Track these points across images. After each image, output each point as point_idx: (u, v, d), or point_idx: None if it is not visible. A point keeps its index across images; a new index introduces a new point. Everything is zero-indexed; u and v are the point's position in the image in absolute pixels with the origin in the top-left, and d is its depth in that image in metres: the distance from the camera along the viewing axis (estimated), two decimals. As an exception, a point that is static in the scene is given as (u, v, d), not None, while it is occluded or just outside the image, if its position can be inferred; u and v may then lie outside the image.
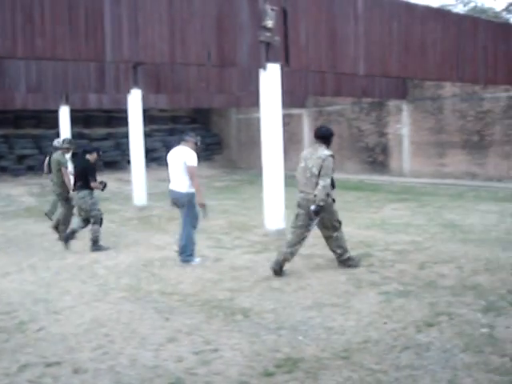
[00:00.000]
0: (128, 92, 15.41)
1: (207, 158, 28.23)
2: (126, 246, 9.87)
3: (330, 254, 8.48)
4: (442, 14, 14.54)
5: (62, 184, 10.83)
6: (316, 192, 7.18)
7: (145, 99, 16.95)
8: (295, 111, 25.05)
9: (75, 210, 10.39)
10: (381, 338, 5.12)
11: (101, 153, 10.47)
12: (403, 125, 21.48)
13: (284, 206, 10.27)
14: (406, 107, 21.34)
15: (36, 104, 18.81)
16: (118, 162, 24.44)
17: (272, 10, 9.70)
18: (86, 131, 25.04)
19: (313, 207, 7.19)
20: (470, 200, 14.81)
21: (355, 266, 7.73)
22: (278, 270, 7.42)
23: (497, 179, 18.64)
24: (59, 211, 11.20)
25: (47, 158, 12.37)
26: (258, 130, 10.52)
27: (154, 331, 5.49)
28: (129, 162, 16.02)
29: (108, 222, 12.59)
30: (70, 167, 11.13)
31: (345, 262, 7.74)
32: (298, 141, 24.93)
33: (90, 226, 9.82)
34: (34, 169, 21.89)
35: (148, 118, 22.21)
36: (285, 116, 24.17)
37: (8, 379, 4.52)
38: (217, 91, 18.36)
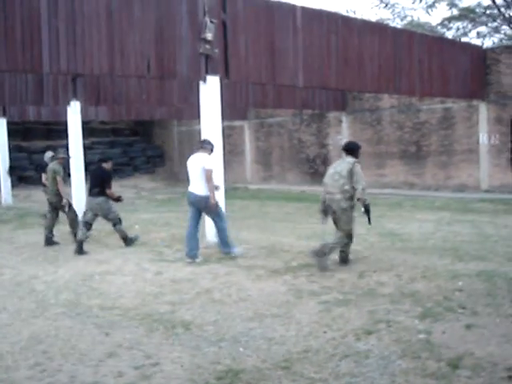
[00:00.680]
0: (67, 104, 15.20)
1: (149, 171, 28.05)
2: (66, 261, 9.69)
3: (271, 265, 8.55)
4: (378, 27, 14.91)
5: (57, 192, 11.31)
6: (359, 196, 8.19)
7: (84, 111, 16.79)
8: (237, 123, 25.17)
9: (82, 213, 11.05)
10: (321, 346, 5.16)
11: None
12: (343, 136, 21.81)
13: (225, 218, 10.29)
14: (345, 119, 21.69)
15: (-28, 116, 18.40)
16: (58, 175, 24.02)
17: (212, 22, 9.75)
18: (25, 144, 24.59)
19: (363, 209, 8.21)
20: (408, 209, 15.11)
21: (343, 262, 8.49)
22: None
23: (434, 189, 19.12)
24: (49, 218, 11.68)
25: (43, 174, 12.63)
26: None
27: (94, 347, 5.40)
28: (69, 175, 15.75)
29: (47, 236, 12.38)
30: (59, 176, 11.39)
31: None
32: (240, 152, 25.04)
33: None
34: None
35: (88, 130, 21.97)
36: (226, 128, 24.31)
37: None
38: (158, 103, 18.31)
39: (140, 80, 15.49)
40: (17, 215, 17.02)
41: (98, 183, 10.62)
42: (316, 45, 12.01)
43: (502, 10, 26.97)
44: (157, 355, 5.11)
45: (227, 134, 24.53)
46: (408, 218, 13.30)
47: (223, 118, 10.78)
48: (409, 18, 29.05)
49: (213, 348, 5.23)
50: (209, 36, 9.74)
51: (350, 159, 8.36)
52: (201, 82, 10.10)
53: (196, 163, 9.06)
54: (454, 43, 18.85)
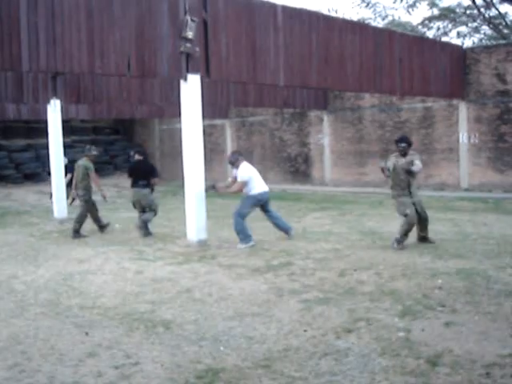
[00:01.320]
0: (47, 102, 15.08)
1: (130, 169, 27.93)
2: (46, 260, 9.62)
3: (252, 264, 8.56)
4: (359, 27, 14.96)
5: (86, 187, 11.95)
6: (415, 168, 9.25)
7: (65, 110, 16.67)
8: (218, 122, 25.13)
9: (134, 204, 11.98)
10: (301, 345, 5.18)
11: None
12: (324, 135, 21.87)
13: (206, 217, 10.28)
14: (326, 117, 21.74)
15: (-50, 114, 18.19)
16: (38, 173, 23.83)
17: (192, 20, 9.72)
18: (5, 142, 24.35)
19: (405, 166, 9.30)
20: (389, 208, 15.11)
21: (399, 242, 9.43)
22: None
23: (414, 187, 19.20)
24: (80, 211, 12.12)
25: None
26: (180, 141, 10.51)
27: (74, 346, 5.37)
28: (49, 173, 15.66)
29: (27, 235, 12.33)
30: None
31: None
32: (222, 151, 24.99)
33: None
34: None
35: (69, 128, 21.84)
36: (208, 127, 24.27)
37: None
38: (139, 102, 18.23)
39: (121, 78, 15.40)
40: (-4, 214, 16.88)
41: (144, 175, 11.58)
42: (297, 44, 12.02)
43: (482, 10, 27.23)
44: (137, 355, 5.09)
45: (208, 133, 24.48)
46: (389, 217, 13.34)
47: (204, 116, 10.77)
48: (390, 18, 29.25)
49: (193, 347, 5.23)
50: (190, 34, 9.71)
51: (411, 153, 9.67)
52: (181, 81, 10.07)
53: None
54: (435, 43, 18.95)
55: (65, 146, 15.66)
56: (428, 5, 28.26)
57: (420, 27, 29.07)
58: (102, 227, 12.40)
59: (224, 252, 9.67)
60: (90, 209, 12.05)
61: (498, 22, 27.56)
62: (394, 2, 28.10)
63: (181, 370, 4.71)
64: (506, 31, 26.87)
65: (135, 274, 8.35)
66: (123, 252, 10.00)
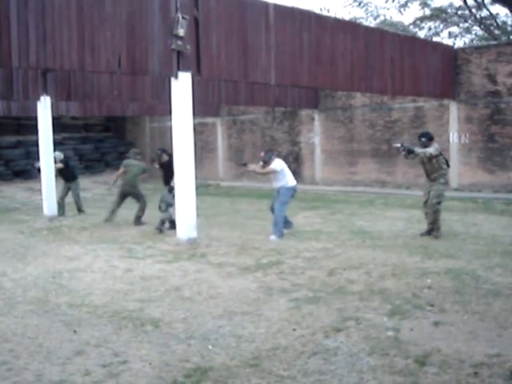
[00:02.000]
0: (37, 99, 15.00)
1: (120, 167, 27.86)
2: (35, 258, 9.57)
3: (242, 262, 8.56)
4: (351, 26, 14.98)
5: (135, 184, 13.32)
6: (420, 150, 9.97)
7: (55, 107, 16.59)
8: (209, 120, 25.12)
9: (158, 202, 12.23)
10: (290, 344, 5.17)
11: None
12: (315, 134, 21.89)
13: (196, 215, 10.26)
14: (317, 116, 21.76)
15: None
16: (28, 170, 23.71)
17: (184, 18, 9.70)
18: (-6, 139, 24.24)
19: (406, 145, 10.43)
20: (379, 207, 15.22)
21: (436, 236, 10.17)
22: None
23: (405, 187, 19.27)
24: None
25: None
26: (171, 139, 10.47)
27: (62, 344, 5.35)
28: (39, 170, 15.58)
29: (16, 232, 12.27)
30: None
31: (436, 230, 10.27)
32: (212, 149, 24.99)
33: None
34: None
35: (59, 125, 21.73)
36: (198, 125, 24.25)
37: None
38: (130, 99, 18.16)
39: (112, 76, 15.34)
40: (-15, 211, 16.79)
41: (172, 175, 11.40)
42: (288, 42, 12.01)
43: (473, 11, 27.32)
44: (125, 353, 5.08)
45: (199, 131, 24.46)
46: (379, 216, 13.39)
47: (195, 114, 10.74)
48: (382, 18, 29.32)
49: (182, 345, 5.21)
50: (181, 32, 9.68)
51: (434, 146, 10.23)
52: (172, 79, 10.04)
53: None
54: (426, 43, 18.99)
55: (55, 143, 15.57)
56: (420, 5, 28.35)
57: (411, 27, 29.15)
58: (137, 219, 13.11)
59: (214, 250, 9.65)
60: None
61: (489, 22, 27.66)
62: (386, 2, 28.22)
63: (169, 369, 4.69)
64: (496, 32, 26.97)
65: (124, 272, 8.32)
66: (113, 250, 9.97)
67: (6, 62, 8.60)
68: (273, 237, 10.55)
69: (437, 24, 28.91)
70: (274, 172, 10.73)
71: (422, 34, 28.67)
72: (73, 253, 9.86)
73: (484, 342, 5.10)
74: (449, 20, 28.66)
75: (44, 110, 14.98)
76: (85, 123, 27.68)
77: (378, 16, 29.22)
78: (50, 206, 15.01)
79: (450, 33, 29.08)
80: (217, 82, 16.99)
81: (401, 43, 15.39)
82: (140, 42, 9.57)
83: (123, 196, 13.61)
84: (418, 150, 10.03)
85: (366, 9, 28.93)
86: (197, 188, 10.46)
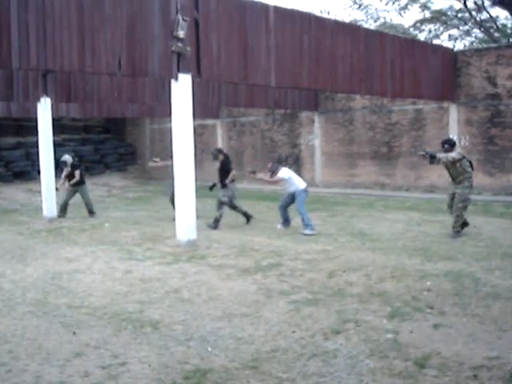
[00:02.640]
0: (37, 100, 15.00)
1: (120, 169, 27.85)
2: (34, 259, 9.57)
3: (242, 264, 8.55)
4: (351, 28, 14.96)
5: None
6: (442, 155, 10.42)
7: (55, 108, 16.58)
8: (209, 122, 25.11)
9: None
10: (289, 346, 5.17)
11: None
12: (315, 136, 21.89)
13: (195, 217, 10.26)
14: (317, 119, 21.75)
15: None
16: (28, 172, 23.69)
17: (184, 20, 9.70)
18: (-6, 140, 24.22)
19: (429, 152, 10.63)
20: (379, 209, 15.21)
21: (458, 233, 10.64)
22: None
23: (405, 189, 19.27)
24: None
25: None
26: (171, 140, 10.48)
27: (61, 346, 5.35)
28: (39, 172, 15.58)
29: (16, 234, 12.28)
30: None
31: (454, 229, 10.66)
32: (212, 151, 24.94)
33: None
34: None
35: (59, 127, 21.73)
36: (198, 127, 24.25)
37: None
38: (130, 101, 18.14)
39: (112, 77, 15.34)
40: (-15, 212, 16.79)
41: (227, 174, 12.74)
42: (288, 44, 12.01)
43: (473, 13, 27.33)
44: (124, 355, 5.08)
45: (199, 133, 24.46)
46: (378, 218, 13.38)
47: (195, 116, 10.74)
48: (382, 20, 29.31)
49: (181, 347, 5.21)
50: (181, 34, 9.68)
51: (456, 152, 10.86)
52: (172, 80, 10.04)
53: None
54: (426, 45, 18.97)
55: (55, 145, 15.57)
56: (420, 7, 28.35)
57: (412, 30, 29.16)
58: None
59: (213, 252, 9.65)
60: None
61: (489, 25, 27.68)
62: (386, 4, 28.21)
63: (168, 371, 4.70)
64: (496, 34, 26.98)
65: (124, 273, 8.32)
66: (112, 251, 9.97)
67: (7, 64, 8.59)
68: (307, 231, 11.29)
69: (437, 26, 28.92)
70: (282, 180, 11.68)
71: (422, 36, 28.68)
72: (72, 254, 9.86)
73: (483, 344, 5.10)
74: (449, 22, 28.67)
75: (44, 111, 14.99)
76: (85, 125, 27.65)
77: (378, 18, 29.24)
78: (49, 207, 15.01)
79: (449, 35, 29.10)
80: (217, 83, 16.97)
81: (401, 46, 15.39)
82: (140, 43, 9.57)
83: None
84: (441, 155, 10.43)
85: (366, 11, 28.94)
86: (197, 190, 10.46)
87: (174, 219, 12.55)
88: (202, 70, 10.39)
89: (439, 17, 28.24)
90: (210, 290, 7.19)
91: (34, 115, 15.59)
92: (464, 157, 10.70)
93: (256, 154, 23.82)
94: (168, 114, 11.18)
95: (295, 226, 11.91)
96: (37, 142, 15.52)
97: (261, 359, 4.89)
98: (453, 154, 10.52)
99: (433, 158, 10.33)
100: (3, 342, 5.52)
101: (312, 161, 22.05)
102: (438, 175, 18.57)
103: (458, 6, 27.60)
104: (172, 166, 13.88)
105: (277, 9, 11.70)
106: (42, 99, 14.90)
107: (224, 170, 12.78)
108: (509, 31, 26.10)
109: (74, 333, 5.71)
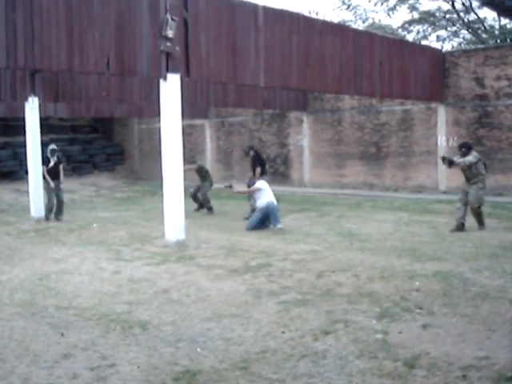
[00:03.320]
0: (25, 100, 14.91)
1: (109, 169, 27.75)
2: (22, 260, 9.51)
3: (231, 265, 8.54)
4: (340, 28, 14.99)
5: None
6: (460, 160, 11.09)
7: (43, 107, 16.48)
8: (197, 122, 25.07)
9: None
10: (279, 347, 5.16)
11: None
12: (303, 136, 21.90)
13: (184, 217, 10.22)
14: (306, 119, 21.76)
15: None
16: (16, 172, 23.54)
17: (173, 19, 9.66)
18: (-18, 140, 24.06)
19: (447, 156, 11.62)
20: (367, 210, 15.23)
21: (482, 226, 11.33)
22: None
23: (393, 189, 19.31)
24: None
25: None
26: (159, 140, 10.44)
27: (49, 348, 5.31)
28: (27, 172, 15.48)
29: (3, 234, 12.20)
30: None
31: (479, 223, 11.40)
32: (201, 151, 24.93)
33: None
34: None
35: (47, 126, 21.57)
36: (187, 126, 24.21)
37: None
38: (118, 100, 18.08)
39: (100, 77, 15.27)
40: (-28, 213, 16.67)
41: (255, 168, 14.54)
42: (277, 45, 12.00)
43: (461, 14, 27.45)
44: (113, 356, 5.05)
45: (188, 133, 24.41)
46: (367, 219, 13.41)
47: (184, 116, 10.71)
48: (370, 21, 29.38)
49: (170, 348, 5.19)
50: (170, 33, 9.64)
51: (473, 154, 11.28)
52: (161, 80, 10.01)
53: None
54: (414, 46, 19.03)
55: (43, 145, 15.47)
56: (408, 8, 28.45)
57: (400, 30, 29.25)
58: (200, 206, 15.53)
59: (202, 252, 9.63)
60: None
61: (476, 26, 27.81)
62: (375, 5, 28.29)
63: (157, 372, 4.67)
64: (484, 36, 27.11)
65: (112, 274, 8.28)
66: (100, 252, 9.92)
67: (-6, 63, 8.54)
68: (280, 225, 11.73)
69: (425, 27, 29.03)
70: (259, 190, 12.19)
71: (410, 37, 28.78)
72: (60, 255, 9.81)
73: (472, 344, 5.11)
74: (437, 23, 28.79)
75: (32, 110, 14.90)
76: (72, 124, 27.51)
77: (366, 19, 29.31)
78: (37, 207, 14.91)
79: (438, 36, 29.20)
80: (205, 83, 16.95)
81: (389, 46, 15.43)
82: (129, 43, 9.52)
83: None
84: (459, 159, 11.14)
85: (355, 12, 29.01)
86: (185, 190, 10.43)
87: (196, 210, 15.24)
88: (191, 69, 10.36)
89: (427, 18, 28.35)
90: (199, 291, 7.17)
91: (22, 115, 15.49)
92: (480, 159, 11.24)
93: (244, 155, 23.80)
94: (156, 113, 11.15)
95: (285, 227, 11.90)
96: (24, 141, 15.42)
97: (250, 360, 4.88)
98: (470, 158, 11.05)
99: (451, 163, 11.05)
100: (-10, 343, 5.47)
101: (300, 161, 22.06)
102: (426, 176, 18.67)
103: (446, 7, 27.74)
104: (194, 168, 15.35)
105: (266, 9, 11.69)
106: (30, 99, 14.81)
107: (253, 166, 14.68)
108: (496, 32, 26.20)
109: (62, 334, 5.67)
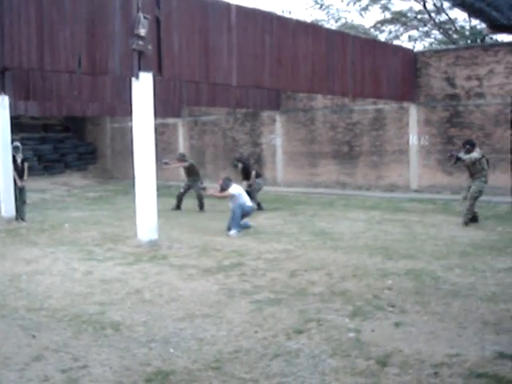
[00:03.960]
0: (-5, 98, 14.70)
1: (81, 168, 27.53)
2: (-8, 260, 9.39)
3: (203, 264, 8.51)
4: (313, 28, 15.02)
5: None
6: (466, 157, 11.59)
7: (14, 106, 16.28)
8: (170, 121, 24.98)
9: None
10: (252, 346, 5.16)
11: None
12: (276, 135, 21.93)
13: (157, 217, 10.17)
14: (279, 118, 21.80)
15: None
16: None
17: (145, 18, 9.61)
18: (-51, 139, 23.64)
19: (455, 153, 11.91)
20: (340, 208, 15.31)
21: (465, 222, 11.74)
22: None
23: (365, 188, 19.43)
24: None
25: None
26: (132, 139, 10.37)
27: (19, 350, 5.24)
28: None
29: (-28, 234, 12.00)
30: None
31: (465, 216, 11.77)
32: (174, 150, 24.83)
33: None
34: None
35: (18, 125, 21.32)
36: (160, 125, 24.10)
37: None
38: (90, 99, 17.92)
39: (72, 75, 15.12)
40: None
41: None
42: (250, 44, 12.01)
43: (433, 15, 27.70)
44: (85, 357, 5.00)
45: (160, 132, 24.30)
46: (340, 217, 13.47)
47: (156, 115, 10.65)
48: (343, 20, 29.49)
49: (143, 349, 5.16)
50: (142, 32, 9.59)
51: (477, 151, 11.83)
52: (133, 79, 9.94)
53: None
54: (386, 46, 19.16)
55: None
56: (380, 8, 28.63)
57: (372, 30, 29.42)
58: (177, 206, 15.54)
59: (175, 252, 9.59)
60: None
61: (447, 27, 28.07)
62: (348, 5, 28.40)
63: (130, 373, 4.64)
64: (455, 36, 27.37)
65: (84, 274, 8.21)
66: (72, 252, 9.83)
67: (-37, 61, 8.42)
68: (232, 232, 11.30)
69: (397, 27, 29.26)
70: (232, 196, 11.93)
71: (382, 37, 28.97)
72: (31, 255, 9.69)
73: (444, 341, 5.16)
74: (409, 24, 29.02)
75: (2, 109, 14.68)
76: (44, 123, 27.24)
77: (339, 19, 29.42)
78: (7, 207, 14.70)
79: (409, 36, 29.44)
80: (178, 82, 16.89)
81: (362, 46, 15.51)
82: (100, 41, 9.45)
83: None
84: (465, 156, 11.67)
85: (328, 11, 29.10)
86: (158, 189, 10.39)
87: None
88: (163, 68, 10.31)
89: (399, 18, 28.57)
90: (172, 291, 7.14)
91: (-8, 113, 15.27)
92: (483, 155, 11.84)
93: (217, 154, 23.77)
94: (129, 112, 11.07)
95: (257, 226, 11.91)
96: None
97: (223, 360, 4.87)
98: (475, 155, 11.63)
99: (458, 160, 11.66)
100: (-41, 345, 5.39)
101: (273, 160, 22.09)
102: (398, 174, 18.81)
103: (418, 7, 27.96)
104: (185, 166, 15.44)
105: (239, 8, 11.68)
106: (0, 97, 14.60)
107: (245, 174, 15.40)
108: (467, 33, 26.46)
109: (34, 336, 5.60)
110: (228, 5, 11.48)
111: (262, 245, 10.09)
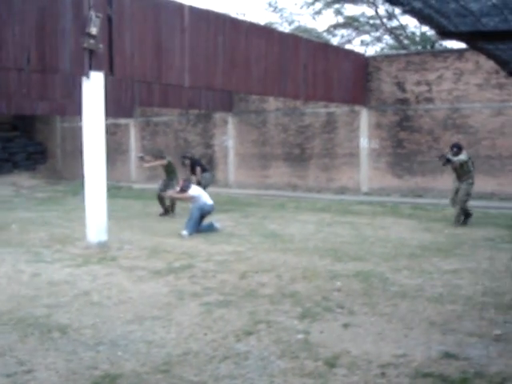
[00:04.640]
0: None
1: (29, 168, 27.03)
2: None
3: (153, 266, 8.45)
4: (266, 30, 15.10)
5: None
6: (455, 159, 11.96)
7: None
8: (122, 121, 24.75)
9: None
10: (201, 349, 5.14)
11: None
12: (229, 137, 21.94)
13: (106, 218, 10.05)
14: (231, 120, 21.82)
15: None
16: None
17: (97, 16, 9.49)
18: None
19: (445, 155, 12.20)
20: (291, 210, 15.38)
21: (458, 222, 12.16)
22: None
23: (316, 191, 19.59)
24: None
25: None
26: (82, 139, 10.22)
27: (-38, 354, 5.12)
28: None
29: None
30: None
31: (457, 217, 12.19)
32: (125, 151, 24.62)
33: None
34: None
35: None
36: (111, 126, 23.91)
37: None
38: (39, 98, 17.63)
39: (20, 73, 14.84)
40: None
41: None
42: (203, 45, 11.98)
43: (385, 20, 28.13)
44: (30, 361, 4.90)
45: (112, 132, 24.06)
46: (290, 220, 13.53)
47: (108, 115, 10.55)
48: (296, 24, 29.71)
49: (90, 352, 5.08)
50: (93, 30, 9.46)
51: (464, 154, 12.18)
52: (84, 78, 9.81)
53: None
54: (339, 50, 19.39)
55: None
56: (333, 12, 28.95)
57: (325, 34, 29.72)
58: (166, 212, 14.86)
59: (125, 254, 9.50)
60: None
61: (399, 32, 28.57)
62: (301, 8, 28.64)
63: (76, 377, 4.57)
64: (406, 42, 27.87)
65: (31, 276, 8.05)
66: (19, 254, 9.63)
67: None
68: (184, 232, 11.21)
69: (349, 32, 29.63)
70: (192, 198, 11.89)
71: (335, 41, 29.30)
72: (-24, 256, 9.47)
73: (391, 342, 5.23)
74: (361, 28, 29.43)
75: None
76: (-9, 122, 26.71)
77: (292, 22, 29.65)
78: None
79: (361, 41, 29.90)
80: (130, 82, 16.74)
81: (314, 49, 15.65)
82: (50, 38, 9.28)
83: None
84: (454, 158, 12.04)
85: (281, 14, 29.30)
86: (108, 190, 10.27)
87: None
88: (115, 67, 10.20)
89: (352, 22, 28.95)
90: (121, 293, 7.06)
91: None
92: (470, 158, 12.28)
93: (169, 155, 23.63)
94: (79, 112, 10.92)
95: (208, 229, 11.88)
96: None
97: (172, 363, 4.84)
98: (462, 157, 12.06)
99: (447, 161, 12.03)
100: None
101: (225, 162, 22.10)
102: (349, 177, 19.02)
103: (370, 12, 28.40)
104: (164, 164, 15.16)
105: (192, 9, 11.65)
106: None
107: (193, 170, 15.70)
108: (417, 39, 26.98)
109: (-23, 339, 5.47)
110: (181, 5, 11.43)
111: (212, 246, 10.07)
